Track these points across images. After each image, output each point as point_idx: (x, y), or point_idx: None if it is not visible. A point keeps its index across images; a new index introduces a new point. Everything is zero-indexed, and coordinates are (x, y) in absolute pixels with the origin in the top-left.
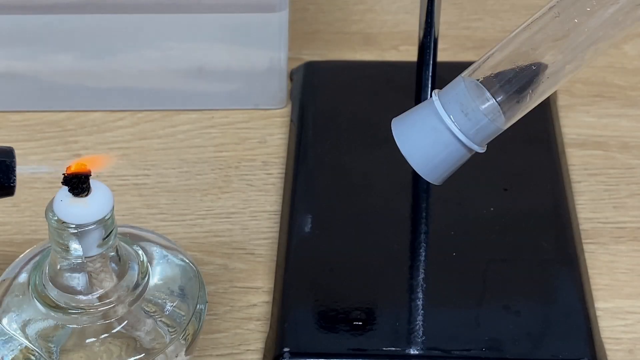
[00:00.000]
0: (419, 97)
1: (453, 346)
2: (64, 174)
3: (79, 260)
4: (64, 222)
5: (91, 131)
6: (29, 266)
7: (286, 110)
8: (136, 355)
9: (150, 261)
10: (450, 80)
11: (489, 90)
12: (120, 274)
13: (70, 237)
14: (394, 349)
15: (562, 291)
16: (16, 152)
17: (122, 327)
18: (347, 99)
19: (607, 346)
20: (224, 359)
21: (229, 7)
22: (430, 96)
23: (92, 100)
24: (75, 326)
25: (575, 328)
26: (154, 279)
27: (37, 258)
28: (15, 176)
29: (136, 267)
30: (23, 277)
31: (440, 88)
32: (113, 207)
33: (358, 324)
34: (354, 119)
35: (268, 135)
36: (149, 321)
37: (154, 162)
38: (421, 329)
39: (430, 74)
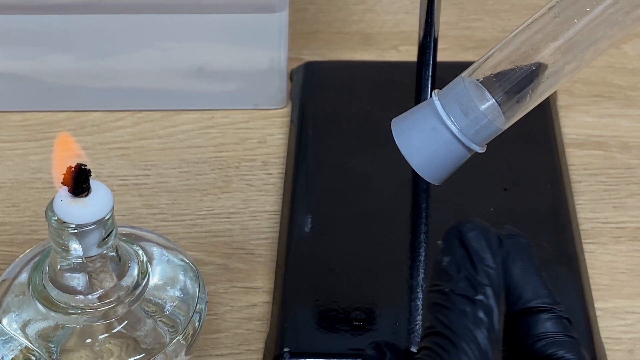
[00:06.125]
0: (419, 97)
1: None
2: (63, 174)
3: (79, 260)
4: (64, 222)
5: (91, 131)
6: (29, 266)
7: (286, 110)
8: (136, 355)
9: (150, 261)
10: (450, 80)
11: (488, 90)
12: (120, 274)
13: (70, 237)
14: None
15: (562, 291)
16: (16, 152)
17: (122, 327)
18: (347, 99)
19: (607, 346)
20: (224, 359)
21: (229, 7)
22: (430, 96)
23: (92, 100)
24: (75, 326)
25: (575, 328)
26: (154, 279)
27: (37, 258)
28: None
29: (136, 267)
30: (23, 277)
31: (440, 88)
32: (113, 207)
33: (358, 324)
34: (354, 119)
35: (268, 135)
36: (149, 321)
37: (154, 162)
38: (421, 329)
39: (430, 74)
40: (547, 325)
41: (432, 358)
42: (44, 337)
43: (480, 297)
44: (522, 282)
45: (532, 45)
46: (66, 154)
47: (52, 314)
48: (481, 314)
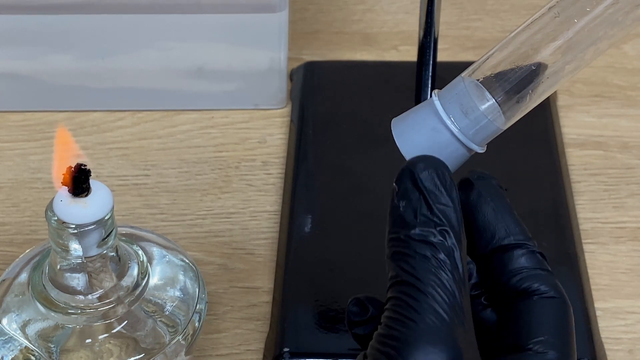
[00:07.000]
0: (419, 97)
1: None
2: (63, 174)
3: (79, 261)
4: (63, 222)
5: (91, 131)
6: (29, 266)
7: (286, 110)
8: (136, 355)
9: (150, 261)
10: (450, 80)
11: (488, 90)
12: (120, 274)
13: (70, 237)
14: None
15: None
16: (16, 152)
17: (122, 327)
18: (347, 99)
19: (607, 346)
20: (224, 359)
21: (229, 7)
22: (430, 96)
23: (92, 100)
24: (75, 326)
25: (575, 328)
26: (154, 279)
27: (37, 258)
28: None
29: (136, 267)
30: (23, 277)
31: (440, 88)
32: (113, 207)
33: None
34: (354, 119)
35: (268, 135)
36: (149, 321)
37: (154, 162)
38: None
39: (430, 74)
40: (521, 260)
41: (402, 307)
42: (44, 337)
43: (439, 239)
44: (495, 221)
45: (532, 45)
46: (66, 154)
47: (52, 314)
48: (442, 256)
